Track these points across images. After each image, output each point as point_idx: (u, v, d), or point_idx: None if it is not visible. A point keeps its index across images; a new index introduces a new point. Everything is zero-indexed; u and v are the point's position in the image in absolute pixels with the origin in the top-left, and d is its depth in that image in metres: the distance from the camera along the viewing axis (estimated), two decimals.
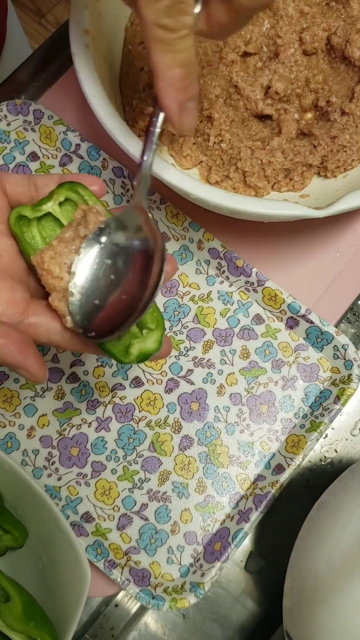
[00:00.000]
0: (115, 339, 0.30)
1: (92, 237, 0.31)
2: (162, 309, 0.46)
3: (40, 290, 0.33)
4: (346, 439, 0.45)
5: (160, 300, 0.46)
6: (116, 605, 0.42)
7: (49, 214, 0.32)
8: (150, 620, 0.43)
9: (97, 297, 0.30)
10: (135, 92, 0.44)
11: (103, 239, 0.31)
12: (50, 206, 0.32)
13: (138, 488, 0.43)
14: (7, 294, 0.30)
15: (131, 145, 0.37)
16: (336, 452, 0.45)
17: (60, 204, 0.32)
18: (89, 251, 0.31)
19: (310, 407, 0.44)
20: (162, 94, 0.29)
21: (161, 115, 0.32)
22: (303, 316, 0.44)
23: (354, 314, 0.47)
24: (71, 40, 0.39)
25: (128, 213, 0.32)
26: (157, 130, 0.32)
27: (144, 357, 0.31)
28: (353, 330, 0.47)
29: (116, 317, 0.30)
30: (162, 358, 0.35)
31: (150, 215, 0.31)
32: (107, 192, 0.48)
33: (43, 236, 0.32)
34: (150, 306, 0.29)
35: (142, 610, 0.43)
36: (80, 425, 0.44)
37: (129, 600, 0.42)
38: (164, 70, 0.27)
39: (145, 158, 0.32)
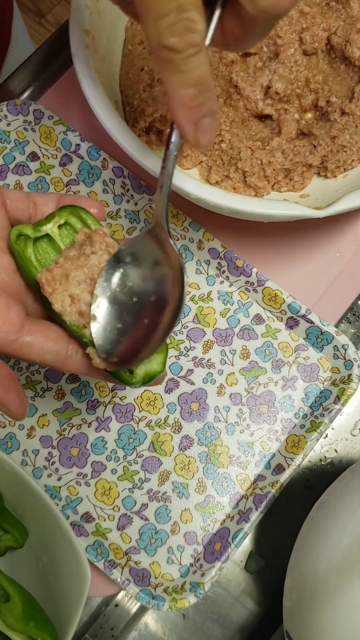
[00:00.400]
0: (137, 364, 0.30)
1: (113, 259, 0.30)
2: None
3: (38, 309, 0.33)
4: (346, 439, 0.45)
5: None
6: (116, 605, 0.42)
7: (45, 236, 0.32)
8: (150, 620, 0.43)
9: (120, 321, 0.30)
10: (136, 92, 0.44)
11: (124, 261, 0.30)
12: (49, 228, 0.32)
13: (138, 488, 0.43)
14: (2, 312, 0.30)
15: (131, 145, 0.37)
16: (336, 452, 0.45)
17: (59, 226, 0.32)
18: (110, 273, 0.30)
19: (310, 407, 0.44)
20: (174, 113, 0.27)
21: (176, 133, 0.30)
22: (303, 316, 0.44)
23: (354, 314, 0.47)
24: (71, 40, 0.39)
25: (150, 234, 0.31)
26: (173, 145, 0.30)
27: (149, 379, 0.30)
28: (353, 330, 0.47)
29: (139, 341, 0.29)
30: (160, 383, 0.35)
31: (169, 237, 0.31)
32: (107, 193, 0.48)
33: (37, 258, 0.32)
34: (172, 331, 0.29)
35: (142, 610, 0.43)
36: (80, 425, 0.44)
37: (129, 600, 0.42)
38: (174, 90, 0.26)
39: (164, 176, 0.31)
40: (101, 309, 0.30)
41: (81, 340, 0.30)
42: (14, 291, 0.31)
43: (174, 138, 0.30)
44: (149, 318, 0.29)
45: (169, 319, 0.29)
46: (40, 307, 0.33)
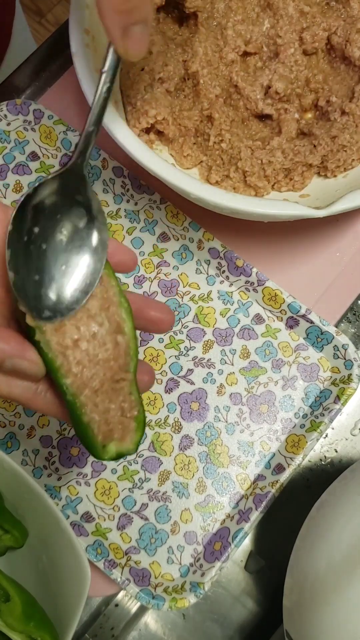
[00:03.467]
0: (68, 316, 0.27)
1: (22, 203, 0.28)
2: None
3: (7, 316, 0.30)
4: (346, 439, 0.45)
5: (160, 299, 0.46)
6: (116, 605, 0.42)
7: None
8: (150, 620, 0.43)
9: (37, 272, 0.27)
10: (137, 92, 0.44)
11: (34, 204, 0.28)
12: None
13: (138, 488, 0.43)
14: None
15: (131, 145, 0.37)
16: (336, 451, 0.45)
17: None
18: (18, 222, 0.27)
19: (310, 406, 0.44)
20: (102, 16, 0.25)
21: (112, 50, 0.28)
22: (303, 316, 0.44)
23: (354, 314, 0.47)
24: (71, 39, 0.39)
25: (64, 178, 0.29)
26: (106, 69, 0.29)
27: (119, 456, 0.29)
28: (353, 330, 0.47)
29: (63, 288, 0.27)
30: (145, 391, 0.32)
31: (88, 181, 0.29)
32: (107, 192, 0.48)
33: None
34: (99, 278, 0.27)
35: (142, 610, 0.43)
36: None
37: (129, 600, 0.42)
38: None
39: (92, 107, 0.29)
40: (15, 263, 0.27)
41: (56, 380, 0.27)
42: None
43: (110, 55, 0.28)
44: (67, 264, 0.28)
45: (91, 262, 0.28)
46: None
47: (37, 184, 0.28)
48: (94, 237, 0.28)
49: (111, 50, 0.28)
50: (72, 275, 0.28)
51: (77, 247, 0.28)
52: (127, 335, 0.28)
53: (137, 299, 0.30)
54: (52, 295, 0.27)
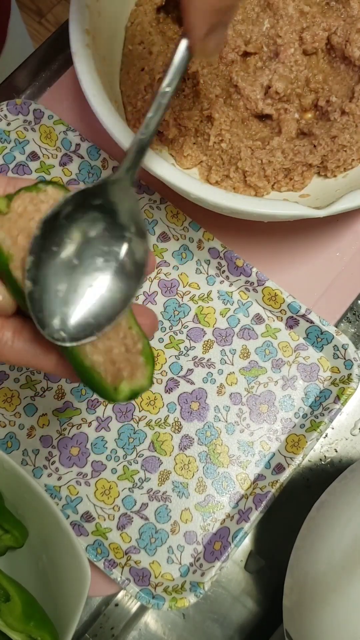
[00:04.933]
0: (90, 341, 0.25)
1: (56, 209, 0.25)
2: (162, 309, 0.46)
3: None
4: (346, 439, 0.45)
5: (160, 299, 0.46)
6: (116, 605, 0.42)
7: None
8: (150, 619, 0.43)
9: (60, 286, 0.24)
10: (137, 92, 0.44)
11: (69, 214, 0.25)
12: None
13: (138, 488, 0.43)
14: None
15: None
16: (336, 451, 0.45)
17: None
18: (49, 228, 0.25)
19: (310, 406, 0.44)
20: (188, 12, 0.24)
21: (183, 48, 0.26)
22: (303, 316, 0.44)
23: (354, 314, 0.47)
24: (71, 40, 0.39)
25: (109, 188, 0.26)
26: (175, 66, 0.26)
27: (135, 395, 0.27)
28: (353, 330, 0.47)
29: (87, 312, 0.25)
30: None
31: (136, 197, 0.27)
32: None
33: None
34: (130, 305, 0.25)
35: (142, 609, 0.43)
36: (80, 424, 0.44)
37: (129, 599, 0.42)
38: None
39: (149, 117, 0.27)
40: (35, 272, 0.24)
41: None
42: None
43: (180, 52, 0.26)
44: (97, 284, 0.25)
45: (125, 287, 0.25)
46: None
47: (76, 191, 0.25)
48: (132, 261, 0.25)
49: (182, 48, 0.26)
50: (100, 299, 0.25)
51: (110, 268, 0.25)
52: None
53: None
54: (73, 316, 0.25)
